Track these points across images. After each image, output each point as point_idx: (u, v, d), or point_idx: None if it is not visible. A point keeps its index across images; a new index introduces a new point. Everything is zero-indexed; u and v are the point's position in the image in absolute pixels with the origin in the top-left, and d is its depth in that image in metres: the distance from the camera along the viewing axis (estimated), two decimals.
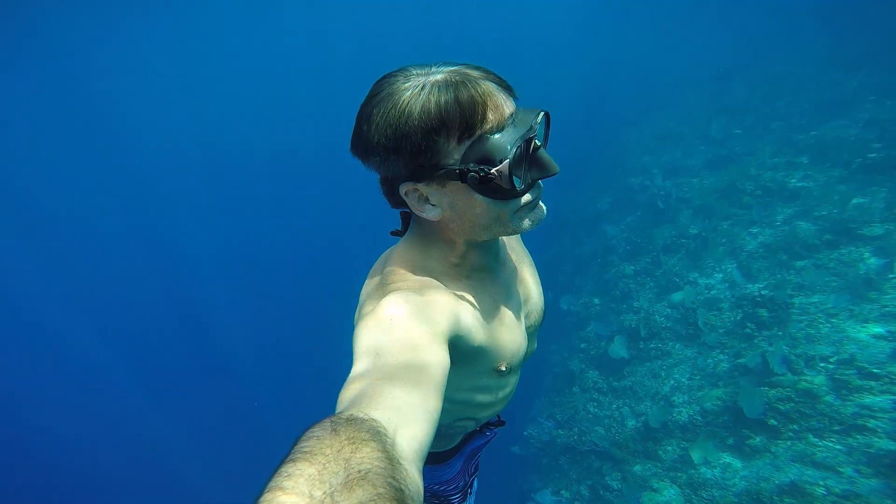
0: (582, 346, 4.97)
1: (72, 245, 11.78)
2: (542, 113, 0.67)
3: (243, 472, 5.91)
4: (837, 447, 2.51)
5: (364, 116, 0.65)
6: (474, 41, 19.70)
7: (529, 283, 0.94)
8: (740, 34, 9.81)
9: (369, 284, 0.74)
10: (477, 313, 0.74)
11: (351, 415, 0.42)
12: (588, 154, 8.55)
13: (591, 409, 4.17)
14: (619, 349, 4.31)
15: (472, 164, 0.63)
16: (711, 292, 4.14)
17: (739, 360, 3.34)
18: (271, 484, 0.33)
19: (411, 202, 0.69)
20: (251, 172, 13.83)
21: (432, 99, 0.61)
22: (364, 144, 0.66)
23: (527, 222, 0.71)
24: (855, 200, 3.93)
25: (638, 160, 7.36)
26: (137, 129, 13.63)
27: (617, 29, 14.64)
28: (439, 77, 0.62)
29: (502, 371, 0.81)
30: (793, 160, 5.06)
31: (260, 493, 0.32)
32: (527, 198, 0.69)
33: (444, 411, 0.85)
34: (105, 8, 8.38)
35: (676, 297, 4.38)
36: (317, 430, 0.39)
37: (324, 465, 0.34)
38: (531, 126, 0.64)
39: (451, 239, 0.75)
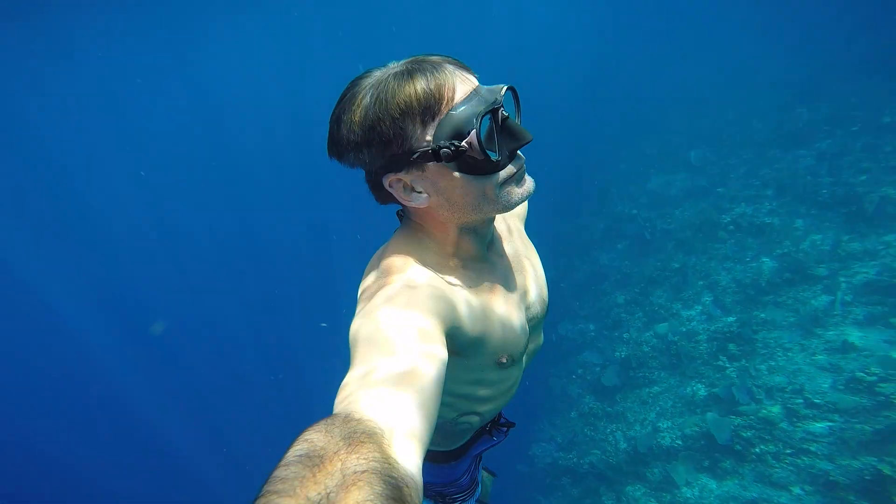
0: (579, 371, 5.44)
1: (81, 244, 12.18)
2: (506, 87, 0.68)
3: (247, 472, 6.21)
4: (790, 468, 2.99)
5: (334, 119, 0.69)
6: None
7: (531, 274, 0.93)
8: (720, 62, 10.35)
9: (366, 279, 0.74)
10: (475, 304, 0.75)
11: (347, 415, 0.42)
12: (581, 179, 8.90)
13: (588, 433, 4.64)
14: (611, 377, 4.79)
15: (442, 142, 0.64)
16: (691, 324, 4.63)
17: (713, 390, 3.84)
18: (266, 489, 0.33)
19: (397, 192, 0.71)
20: (259, 172, 14.16)
21: (391, 89, 0.63)
22: (336, 145, 0.69)
23: (515, 196, 0.71)
24: (811, 237, 4.43)
25: (625, 188, 7.74)
26: (150, 130, 14.22)
27: (605, 51, 15.24)
28: (397, 69, 0.65)
29: (503, 363, 0.81)
30: (760, 193, 5.56)
31: (255, 498, 0.32)
32: (509, 170, 0.70)
33: (447, 406, 0.87)
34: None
35: (661, 328, 4.87)
36: (311, 434, 0.38)
37: (319, 467, 0.34)
38: (496, 98, 0.66)
39: (444, 226, 0.75)
